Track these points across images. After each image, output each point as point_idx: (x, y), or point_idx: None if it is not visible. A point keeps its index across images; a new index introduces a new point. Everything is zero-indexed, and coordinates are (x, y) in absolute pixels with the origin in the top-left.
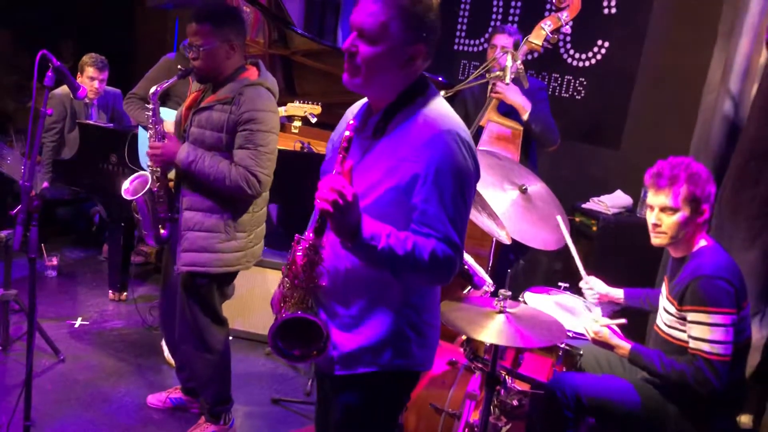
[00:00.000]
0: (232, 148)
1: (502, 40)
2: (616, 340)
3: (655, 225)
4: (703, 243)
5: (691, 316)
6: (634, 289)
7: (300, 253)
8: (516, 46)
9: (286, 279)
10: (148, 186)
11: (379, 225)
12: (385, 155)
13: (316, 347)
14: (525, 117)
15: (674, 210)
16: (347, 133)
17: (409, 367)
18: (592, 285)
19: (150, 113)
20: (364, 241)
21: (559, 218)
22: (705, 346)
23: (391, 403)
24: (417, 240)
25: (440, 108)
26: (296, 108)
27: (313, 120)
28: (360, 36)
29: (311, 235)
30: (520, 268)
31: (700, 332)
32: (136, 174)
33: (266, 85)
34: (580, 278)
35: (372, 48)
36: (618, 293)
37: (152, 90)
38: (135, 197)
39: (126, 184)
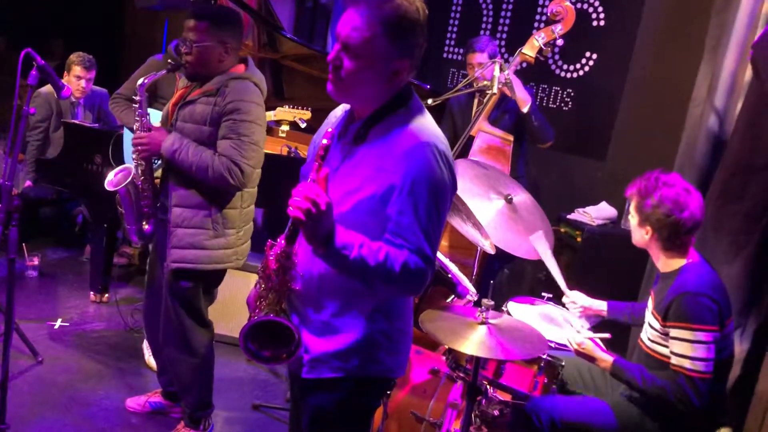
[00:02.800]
0: (216, 140)
1: (477, 58)
2: (599, 353)
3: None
4: (689, 260)
5: (674, 333)
6: (618, 302)
7: (272, 258)
8: (492, 57)
9: (261, 281)
10: (131, 177)
11: (352, 234)
12: (363, 163)
13: (287, 351)
14: (525, 109)
15: (632, 214)
16: (324, 141)
17: (379, 373)
18: (575, 299)
19: (137, 105)
20: (336, 250)
21: (534, 237)
22: (687, 363)
23: (360, 409)
24: (389, 251)
25: (421, 119)
26: (286, 112)
27: (303, 125)
28: (344, 49)
29: (283, 242)
30: (505, 277)
31: (682, 349)
32: (120, 167)
33: (253, 79)
34: (562, 292)
35: (356, 62)
36: (601, 306)
37: (140, 81)
38: (117, 188)
39: (110, 176)
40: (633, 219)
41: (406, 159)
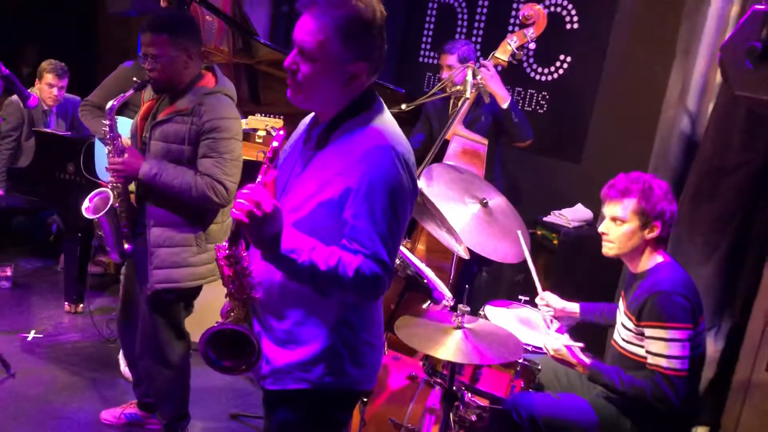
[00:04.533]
0: (194, 159)
1: (447, 60)
2: (575, 359)
3: (603, 234)
4: (659, 259)
5: (648, 332)
6: (589, 303)
7: (223, 263)
8: (463, 61)
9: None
10: (110, 204)
11: (303, 239)
12: (323, 167)
13: (246, 361)
14: (505, 105)
15: (622, 221)
16: (275, 143)
17: (345, 385)
18: (548, 300)
19: (107, 128)
20: (283, 254)
21: (519, 233)
22: (663, 362)
23: (326, 422)
24: (343, 255)
25: (382, 123)
26: (257, 121)
27: (274, 133)
28: (300, 54)
29: (225, 244)
30: (483, 280)
31: (657, 348)
32: (95, 191)
33: (225, 91)
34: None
35: (311, 66)
36: (574, 307)
37: (109, 105)
38: (97, 216)
39: (86, 203)
40: (628, 224)
41: (363, 162)
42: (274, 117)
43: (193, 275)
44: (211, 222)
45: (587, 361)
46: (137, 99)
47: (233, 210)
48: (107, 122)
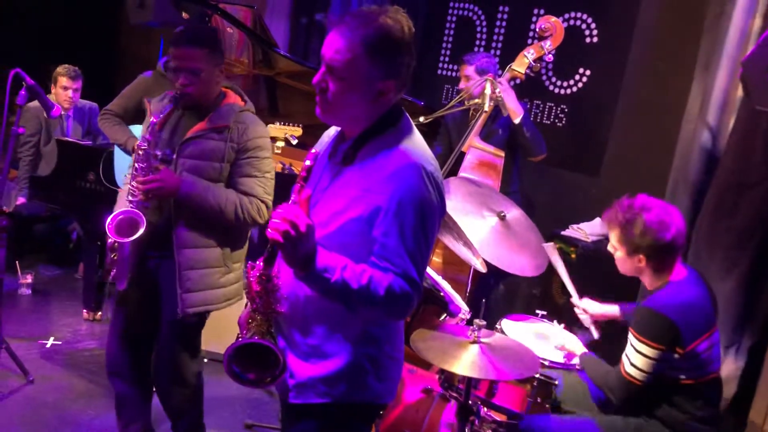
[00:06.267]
0: (227, 177)
1: (465, 70)
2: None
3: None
4: (668, 279)
5: (628, 336)
6: (629, 304)
7: (253, 280)
8: (481, 73)
9: (248, 302)
10: (141, 230)
11: (335, 257)
12: (351, 184)
13: (271, 375)
14: (517, 121)
15: (615, 248)
16: (308, 162)
17: (367, 399)
18: (586, 307)
19: (146, 145)
20: (317, 273)
21: (545, 246)
22: (626, 363)
23: None
24: (374, 274)
25: (410, 140)
26: (277, 130)
27: (294, 141)
28: (329, 72)
29: (261, 264)
30: (500, 294)
31: (627, 350)
32: (121, 210)
33: (253, 110)
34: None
35: (340, 84)
36: (614, 310)
37: (147, 123)
38: (124, 240)
39: (108, 221)
40: (619, 252)
41: (392, 180)
42: (293, 126)
43: (224, 296)
44: (245, 241)
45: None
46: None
47: (268, 230)
48: (148, 137)
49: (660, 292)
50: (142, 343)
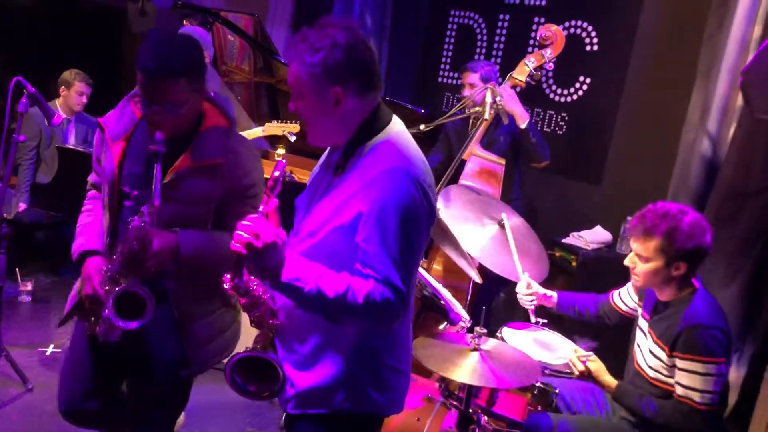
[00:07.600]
0: (214, 217)
1: (468, 78)
2: (605, 376)
3: (631, 268)
4: (692, 288)
5: (682, 364)
6: (567, 294)
7: (231, 293)
8: (485, 80)
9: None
10: (148, 317)
11: (310, 266)
12: (338, 193)
13: (269, 389)
14: (523, 125)
15: (647, 260)
16: (276, 173)
17: (369, 410)
18: (528, 281)
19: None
20: (287, 283)
21: (503, 215)
22: (696, 396)
23: None
24: (352, 282)
25: (396, 144)
26: (274, 127)
27: (292, 138)
28: (293, 96)
29: (227, 276)
30: (500, 301)
31: (691, 381)
32: (118, 290)
33: (235, 124)
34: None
35: (301, 104)
36: (552, 295)
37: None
38: (129, 325)
39: (111, 310)
40: (652, 263)
41: (374, 185)
42: (291, 122)
43: (232, 338)
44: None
45: (614, 380)
46: None
47: (232, 242)
48: (134, 193)
49: (696, 306)
50: (112, 381)
